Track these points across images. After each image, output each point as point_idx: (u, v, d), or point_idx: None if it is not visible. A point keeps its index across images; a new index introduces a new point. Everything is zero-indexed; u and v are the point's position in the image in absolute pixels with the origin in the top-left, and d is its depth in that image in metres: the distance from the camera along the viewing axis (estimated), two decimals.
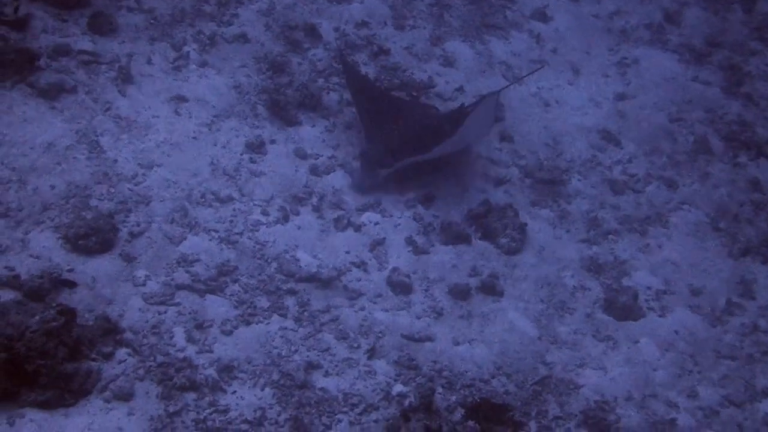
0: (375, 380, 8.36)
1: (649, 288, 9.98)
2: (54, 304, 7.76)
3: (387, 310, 9.01)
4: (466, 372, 8.64)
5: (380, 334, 8.77)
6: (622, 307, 9.54)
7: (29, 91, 9.84)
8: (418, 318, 9.03)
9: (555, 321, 9.38)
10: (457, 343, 8.87)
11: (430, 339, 8.85)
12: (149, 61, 10.81)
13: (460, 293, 9.34)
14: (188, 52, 11.09)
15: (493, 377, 8.66)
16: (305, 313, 8.75)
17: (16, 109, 9.57)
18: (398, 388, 8.32)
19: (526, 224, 10.17)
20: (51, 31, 10.58)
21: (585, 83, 12.65)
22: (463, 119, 9.98)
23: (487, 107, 10.19)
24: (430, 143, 9.94)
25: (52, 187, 9.02)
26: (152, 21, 11.30)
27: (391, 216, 9.93)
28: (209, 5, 11.76)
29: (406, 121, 10.32)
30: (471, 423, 7.73)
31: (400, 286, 9.25)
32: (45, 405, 7.43)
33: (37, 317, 7.52)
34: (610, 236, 10.50)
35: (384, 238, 9.72)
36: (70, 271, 8.40)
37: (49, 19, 10.67)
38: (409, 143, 10.02)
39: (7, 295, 7.98)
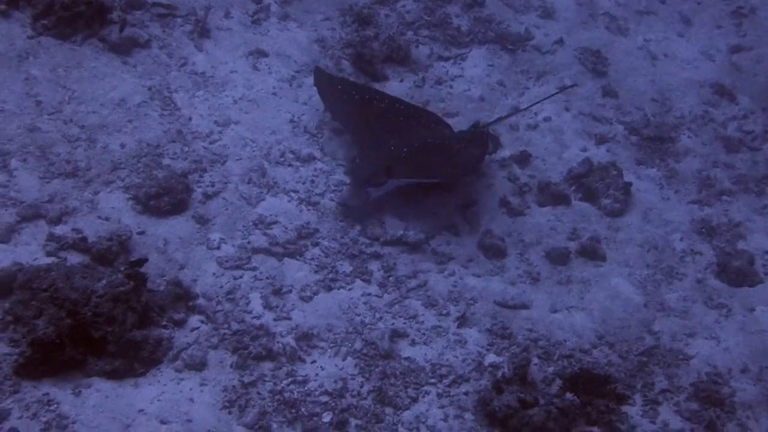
0: (465, 350, 8.03)
1: (766, 252, 9.37)
2: (122, 268, 7.52)
3: (479, 276, 8.67)
4: (565, 341, 8.26)
5: (471, 301, 8.43)
6: (737, 272, 9.04)
7: (100, 45, 9.72)
8: (513, 284, 8.68)
9: (662, 287, 8.91)
10: (555, 311, 8.49)
11: (525, 306, 8.48)
12: (227, 15, 10.62)
13: (558, 257, 8.95)
14: (269, 4, 10.88)
15: (595, 347, 8.25)
16: (390, 279, 8.44)
17: (86, 64, 9.45)
18: (491, 358, 7.98)
19: (630, 184, 9.70)
20: None
21: (696, 35, 12.09)
22: (479, 141, 9.33)
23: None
24: (435, 165, 8.99)
25: (123, 145, 8.85)
26: None
27: (484, 175, 9.51)
28: None
29: (408, 134, 9.23)
30: (570, 396, 7.38)
31: (493, 250, 8.90)
32: (112, 374, 7.21)
33: (104, 281, 7.31)
34: (724, 197, 9.93)
35: (476, 200, 9.34)
36: (140, 233, 8.21)
37: None
38: (408, 160, 8.90)
39: (74, 259, 7.81)
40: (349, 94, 9.41)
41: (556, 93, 10.16)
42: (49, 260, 7.73)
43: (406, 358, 7.81)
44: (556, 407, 7.32)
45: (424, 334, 8.05)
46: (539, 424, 7.23)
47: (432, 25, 11.13)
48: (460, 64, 10.92)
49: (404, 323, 8.08)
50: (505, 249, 8.93)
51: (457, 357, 7.91)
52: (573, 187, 9.64)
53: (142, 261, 7.68)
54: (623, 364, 8.15)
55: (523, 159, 9.80)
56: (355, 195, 8.65)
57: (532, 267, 8.85)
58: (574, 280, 8.80)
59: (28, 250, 7.87)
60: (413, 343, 7.97)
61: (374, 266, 8.50)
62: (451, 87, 10.53)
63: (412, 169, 8.73)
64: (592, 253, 9.04)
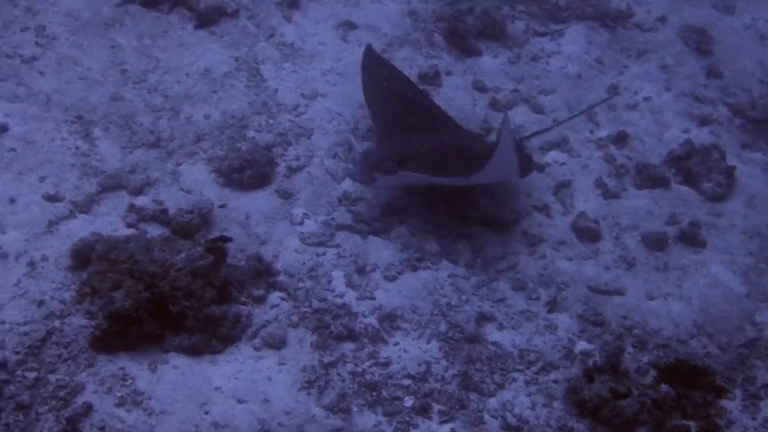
0: (555, 336, 7.79)
1: None
2: (202, 242, 7.41)
3: (571, 259, 8.41)
4: (661, 330, 7.95)
5: (563, 285, 8.19)
6: None
7: (188, 14, 9.72)
8: (607, 268, 8.40)
9: (766, 277, 8.55)
10: (651, 298, 8.18)
11: (619, 292, 8.21)
12: None
13: (655, 242, 8.64)
14: None
15: (692, 337, 7.94)
16: (479, 260, 8.22)
17: (172, 33, 9.44)
18: (582, 345, 7.72)
19: (734, 168, 9.34)
20: None
21: None
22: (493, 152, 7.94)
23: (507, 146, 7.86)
24: (453, 167, 8.17)
25: (207, 116, 8.80)
26: None
27: (580, 156, 9.32)
28: None
29: (433, 134, 8.66)
30: (665, 387, 7.14)
31: (587, 233, 8.63)
32: (190, 350, 7.11)
33: (183, 255, 7.21)
34: None
35: (570, 180, 9.11)
36: (222, 206, 8.13)
37: None
38: (427, 158, 8.19)
39: (155, 231, 7.77)
40: (390, 82, 9.02)
41: (591, 107, 9.68)
42: (129, 232, 7.70)
43: (493, 343, 7.59)
44: (649, 399, 7.08)
45: (512, 318, 7.83)
46: (632, 415, 6.98)
47: (529, 0, 10.85)
48: (557, 40, 10.68)
49: (492, 306, 7.86)
50: (599, 232, 8.65)
51: (546, 343, 7.67)
52: (673, 170, 9.32)
53: (226, 239, 7.52)
54: (722, 355, 7.84)
55: (621, 139, 9.51)
56: (364, 177, 8.10)
57: (627, 252, 8.56)
58: (672, 266, 8.48)
59: (108, 221, 7.85)
60: (501, 327, 7.75)
61: (462, 246, 8.28)
62: (547, 64, 10.29)
63: (427, 166, 8.02)
64: (691, 238, 8.72)
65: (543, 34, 10.69)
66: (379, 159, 7.93)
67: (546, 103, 9.71)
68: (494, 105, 9.64)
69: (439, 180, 7.99)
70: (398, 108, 8.72)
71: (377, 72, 9.06)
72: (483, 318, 7.75)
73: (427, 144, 8.25)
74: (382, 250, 8.10)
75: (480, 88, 9.86)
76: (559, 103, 9.75)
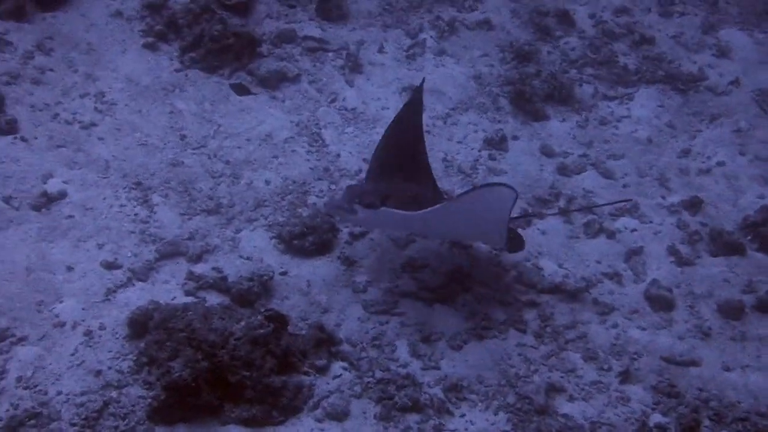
0: (628, 408, 7.56)
1: None
2: (263, 310, 7.35)
3: (644, 328, 8.22)
4: (739, 403, 7.70)
5: (635, 356, 7.98)
6: None
7: (248, 79, 9.79)
8: (681, 338, 8.18)
9: None
10: (728, 369, 7.95)
11: (695, 363, 7.98)
12: (381, 49, 10.55)
13: (731, 311, 8.42)
14: (424, 39, 10.78)
15: None
16: (547, 329, 8.07)
17: (233, 98, 9.50)
18: (656, 417, 7.49)
19: None
20: (276, 16, 10.57)
21: None
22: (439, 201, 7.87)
23: (478, 201, 7.31)
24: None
25: (268, 182, 8.81)
26: (386, 7, 11.11)
27: (651, 222, 9.15)
28: None
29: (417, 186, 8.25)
30: None
31: (661, 301, 8.43)
32: (250, 422, 6.99)
33: (242, 323, 7.14)
34: None
35: (642, 247, 8.94)
36: (282, 274, 8.07)
37: (275, 4, 10.73)
38: (409, 201, 7.73)
39: (214, 299, 7.74)
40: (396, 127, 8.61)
41: (613, 203, 9.45)
42: (187, 300, 7.67)
43: (563, 415, 7.39)
44: None
45: (583, 389, 7.64)
46: None
47: (597, 63, 10.83)
48: (626, 104, 10.55)
49: (561, 377, 7.68)
50: (673, 300, 8.44)
51: (619, 416, 7.47)
52: (749, 237, 9.11)
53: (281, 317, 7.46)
54: None
55: (694, 205, 9.33)
56: (342, 208, 7.64)
57: (702, 321, 8.34)
58: (750, 336, 8.25)
59: (166, 289, 7.83)
60: (571, 398, 7.56)
61: (530, 315, 8.14)
62: (616, 128, 10.18)
63: (409, 208, 7.54)
64: None
65: (612, 98, 10.58)
66: (364, 192, 7.65)
67: (616, 168, 9.59)
68: (562, 170, 9.53)
69: (419, 216, 7.45)
70: (392, 155, 8.40)
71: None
72: (553, 389, 7.57)
73: (411, 192, 7.95)
74: (447, 319, 7.97)
75: (547, 152, 9.76)
76: (629, 168, 9.63)
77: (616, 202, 9.21)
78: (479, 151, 9.54)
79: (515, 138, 9.85)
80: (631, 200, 9.28)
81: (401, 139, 8.45)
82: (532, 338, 7.96)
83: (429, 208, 7.34)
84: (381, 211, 7.51)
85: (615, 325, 8.20)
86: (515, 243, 8.12)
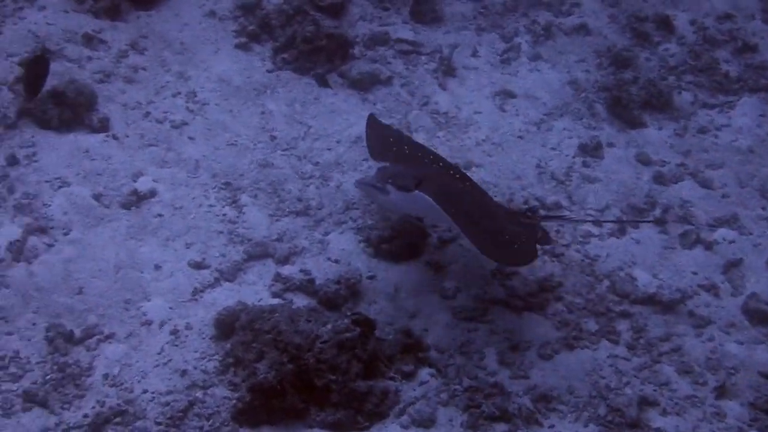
0: (724, 424, 7.41)
1: None
2: (350, 314, 7.33)
3: (742, 343, 8.05)
4: None
5: (732, 370, 7.81)
6: None
7: (340, 81, 9.82)
8: None
9: None
10: None
11: None
12: (474, 53, 10.50)
13: None
14: (520, 43, 10.69)
15: None
16: (641, 341, 7.93)
17: (324, 99, 9.49)
18: None
19: None
20: (369, 18, 10.55)
21: None
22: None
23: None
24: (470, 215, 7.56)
25: None
26: (481, 10, 11.04)
27: (751, 234, 8.97)
28: None
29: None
30: None
31: (759, 315, 8.24)
32: (335, 426, 6.97)
33: (329, 326, 7.13)
34: None
35: (741, 259, 8.74)
36: (370, 278, 8.04)
37: (369, 7, 10.71)
38: (446, 189, 7.62)
39: (301, 301, 7.74)
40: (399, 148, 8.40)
41: (638, 221, 9.22)
42: (275, 301, 7.68)
43: (656, 429, 7.28)
44: None
45: (677, 403, 7.50)
46: None
47: (697, 70, 10.64)
48: (727, 112, 10.34)
49: (655, 390, 7.55)
50: None
51: None
52: None
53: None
54: None
55: None
56: (374, 188, 7.57)
57: None
58: None
59: (254, 290, 7.85)
60: (664, 412, 7.43)
61: (623, 326, 8.02)
62: (716, 137, 9.99)
63: (444, 198, 7.37)
64: None
65: (712, 106, 10.38)
66: (397, 174, 7.53)
67: (715, 177, 9.40)
68: (659, 179, 9.37)
69: (451, 217, 7.28)
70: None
71: (383, 140, 8.51)
72: (645, 402, 7.45)
73: (448, 180, 7.89)
74: (537, 327, 7.89)
75: (643, 160, 9.60)
76: (728, 178, 9.44)
77: (637, 221, 9.03)
78: (573, 157, 9.44)
79: (611, 145, 9.72)
80: (653, 221, 9.04)
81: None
82: (624, 350, 7.84)
83: (464, 227, 7.31)
84: (414, 195, 7.36)
85: (711, 339, 8.04)
86: (545, 237, 8.00)
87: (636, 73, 10.40)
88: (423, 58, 10.24)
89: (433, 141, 9.32)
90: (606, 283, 8.34)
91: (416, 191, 7.35)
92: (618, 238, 8.72)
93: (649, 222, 8.97)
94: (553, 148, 9.58)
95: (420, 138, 9.29)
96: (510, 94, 10.08)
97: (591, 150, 9.56)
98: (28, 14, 9.83)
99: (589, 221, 8.84)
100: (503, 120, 9.81)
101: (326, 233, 8.37)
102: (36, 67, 8.81)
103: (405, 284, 8.04)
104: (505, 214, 7.98)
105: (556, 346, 7.74)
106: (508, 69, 10.38)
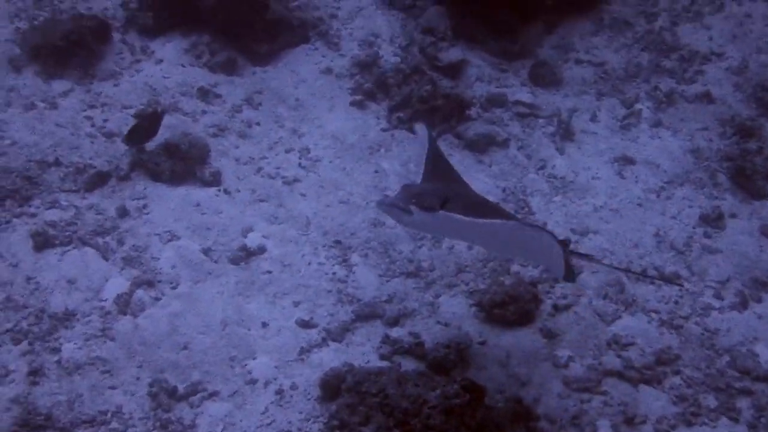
0: None
1: None
2: (459, 379, 7.19)
3: None
4: None
5: None
6: None
7: (455, 141, 9.73)
8: None
9: None
10: None
11: None
12: (594, 118, 10.36)
13: None
14: (641, 109, 10.52)
15: None
16: (762, 419, 7.70)
17: None
18: None
19: None
20: (487, 80, 10.48)
21: None
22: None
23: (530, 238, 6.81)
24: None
25: (470, 247, 8.66)
26: (602, 75, 10.91)
27: None
28: (670, 61, 11.15)
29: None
30: None
31: None
32: None
33: (437, 391, 6.99)
34: None
35: None
36: (481, 343, 7.93)
37: (486, 68, 10.63)
38: (468, 205, 7.07)
39: (409, 365, 7.65)
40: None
41: (664, 280, 8.83)
42: (382, 364, 7.62)
43: None
44: None
45: None
46: None
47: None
48: None
49: None
50: None
51: None
52: None
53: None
54: None
55: None
56: (397, 208, 6.88)
57: None
58: None
59: (361, 351, 7.81)
60: None
61: (743, 403, 7.79)
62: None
63: (468, 212, 6.85)
64: None
65: None
66: (422, 193, 6.91)
67: None
68: None
69: (480, 224, 6.78)
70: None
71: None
72: None
73: (472, 198, 7.38)
74: (653, 401, 7.71)
75: None
76: None
77: (666, 280, 8.78)
78: (694, 227, 9.24)
79: (733, 216, 9.54)
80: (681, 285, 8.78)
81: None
82: (745, 428, 7.62)
83: (493, 220, 6.77)
84: (439, 215, 6.79)
85: None
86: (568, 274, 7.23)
87: (761, 143, 10.16)
88: (541, 121, 10.15)
89: (549, 206, 9.26)
90: (726, 358, 8.12)
91: (441, 211, 6.80)
92: (740, 312, 8.50)
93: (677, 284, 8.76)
94: (672, 217, 9.42)
95: (535, 202, 9.18)
96: (629, 161, 9.94)
97: (712, 220, 9.37)
98: (145, 67, 9.95)
99: (616, 267, 8.57)
100: (622, 186, 9.68)
101: (437, 296, 8.30)
102: (149, 119, 8.90)
103: (516, 351, 7.91)
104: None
105: (673, 422, 7.56)
106: (628, 135, 10.23)
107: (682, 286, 8.75)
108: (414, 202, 6.82)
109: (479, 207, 7.12)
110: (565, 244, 7.17)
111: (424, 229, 7.44)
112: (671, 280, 8.76)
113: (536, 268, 8.53)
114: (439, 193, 6.97)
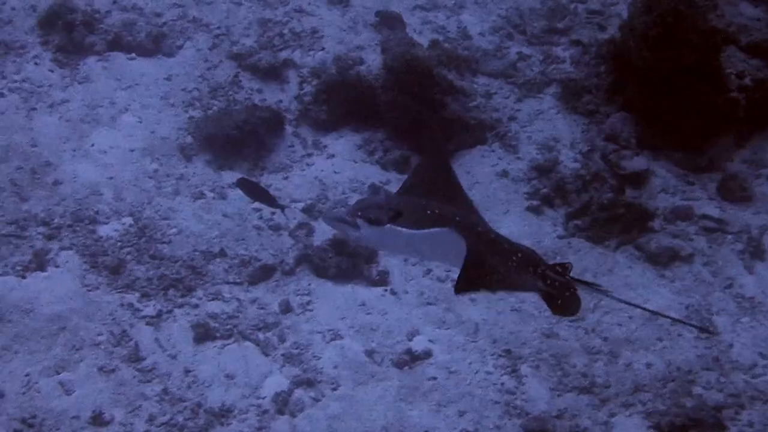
0: None
1: None
2: None
3: None
4: None
5: None
6: None
7: (636, 253, 9.44)
8: None
9: None
10: None
11: None
12: None
13: None
14: None
15: None
16: None
17: (618, 272, 9.18)
18: None
19: None
20: (672, 191, 10.19)
21: None
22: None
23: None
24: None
25: (649, 365, 8.44)
26: None
27: None
28: None
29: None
30: None
31: None
32: None
33: None
34: None
35: None
36: None
37: (672, 179, 10.34)
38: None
39: None
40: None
41: (678, 320, 8.54)
42: None
43: None
44: None
45: None
46: None
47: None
48: None
49: None
50: None
51: None
52: None
53: None
54: None
55: None
56: (342, 222, 6.44)
57: None
58: None
59: None
60: None
61: None
62: None
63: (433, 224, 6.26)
64: None
65: None
66: (371, 205, 6.46)
67: None
68: None
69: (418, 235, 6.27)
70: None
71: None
72: None
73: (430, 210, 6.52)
74: None
75: None
76: None
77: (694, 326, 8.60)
78: None
79: None
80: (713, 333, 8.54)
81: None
82: None
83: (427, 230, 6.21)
84: (386, 229, 6.31)
85: None
86: (571, 305, 6.61)
87: None
88: (729, 237, 9.80)
89: (736, 326, 8.91)
90: None
91: (389, 225, 6.31)
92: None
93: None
94: None
95: (721, 321, 8.85)
96: None
97: None
98: (316, 161, 10.00)
99: (630, 303, 8.02)
100: None
101: (612, 414, 8.06)
102: None
103: None
104: (526, 258, 6.71)
105: None
106: None
107: (712, 333, 8.59)
108: (360, 215, 6.41)
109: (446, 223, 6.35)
110: (565, 267, 6.78)
111: (374, 244, 6.97)
112: (704, 328, 8.65)
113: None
114: (391, 206, 6.48)
